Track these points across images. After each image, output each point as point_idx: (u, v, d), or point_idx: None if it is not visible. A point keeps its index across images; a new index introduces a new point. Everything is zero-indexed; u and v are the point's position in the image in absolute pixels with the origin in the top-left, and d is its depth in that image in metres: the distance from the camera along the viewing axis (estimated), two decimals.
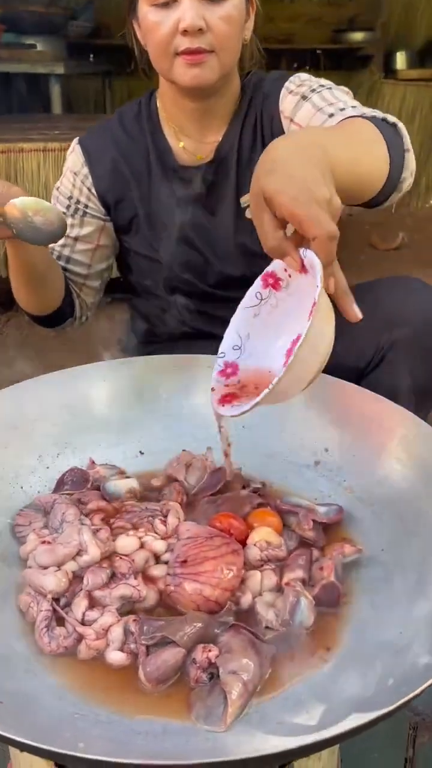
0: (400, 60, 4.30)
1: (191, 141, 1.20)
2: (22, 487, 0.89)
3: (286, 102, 1.13)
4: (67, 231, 1.10)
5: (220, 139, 1.19)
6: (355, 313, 0.70)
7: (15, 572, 0.78)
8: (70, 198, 1.22)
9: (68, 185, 1.23)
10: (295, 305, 0.74)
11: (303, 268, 0.70)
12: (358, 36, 4.55)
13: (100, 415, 0.98)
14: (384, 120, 0.99)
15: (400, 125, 1.01)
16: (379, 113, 1.01)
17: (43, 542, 0.78)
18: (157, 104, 1.22)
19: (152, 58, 1.10)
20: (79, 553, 0.76)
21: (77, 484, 0.89)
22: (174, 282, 1.22)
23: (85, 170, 1.21)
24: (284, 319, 0.76)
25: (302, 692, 0.63)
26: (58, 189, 1.24)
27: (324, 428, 0.95)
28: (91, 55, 3.92)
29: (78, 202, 1.22)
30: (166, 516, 0.83)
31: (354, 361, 1.16)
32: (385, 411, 0.91)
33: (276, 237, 0.69)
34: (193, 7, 1.00)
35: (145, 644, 0.67)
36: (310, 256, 0.68)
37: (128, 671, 0.67)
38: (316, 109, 1.07)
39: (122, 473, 0.92)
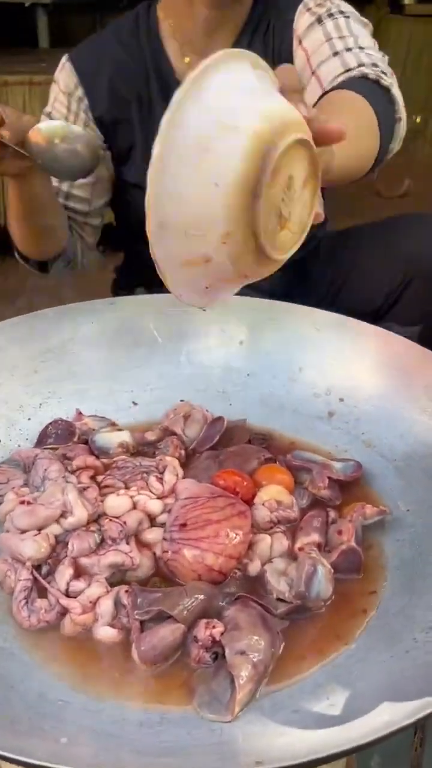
0: None
1: (198, 57, 1.07)
2: (0, 441, 0.79)
3: (302, 20, 1.02)
4: None
5: None
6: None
7: None
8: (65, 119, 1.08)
9: (62, 109, 1.09)
10: None
11: None
12: None
13: (88, 360, 0.88)
14: (377, 82, 0.91)
15: (394, 91, 0.92)
16: (379, 67, 0.93)
17: (23, 502, 0.68)
18: (158, 16, 1.08)
19: None
20: (63, 514, 0.66)
21: (62, 437, 0.79)
22: None
23: (80, 92, 1.08)
24: None
25: (321, 676, 0.55)
26: (49, 115, 1.11)
27: (338, 375, 0.85)
28: None
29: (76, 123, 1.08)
30: (162, 473, 0.73)
31: (368, 303, 1.06)
32: (408, 354, 0.80)
33: None
34: None
35: (139, 619, 0.58)
36: None
37: (120, 650, 0.58)
38: (326, 38, 0.98)
39: (113, 425, 0.82)
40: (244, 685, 0.52)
